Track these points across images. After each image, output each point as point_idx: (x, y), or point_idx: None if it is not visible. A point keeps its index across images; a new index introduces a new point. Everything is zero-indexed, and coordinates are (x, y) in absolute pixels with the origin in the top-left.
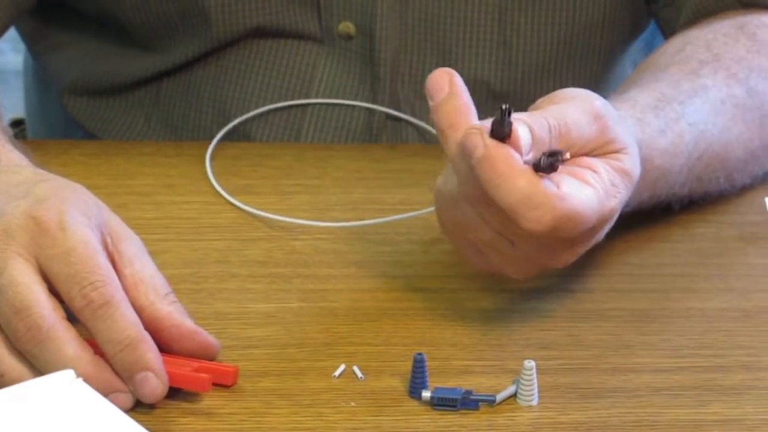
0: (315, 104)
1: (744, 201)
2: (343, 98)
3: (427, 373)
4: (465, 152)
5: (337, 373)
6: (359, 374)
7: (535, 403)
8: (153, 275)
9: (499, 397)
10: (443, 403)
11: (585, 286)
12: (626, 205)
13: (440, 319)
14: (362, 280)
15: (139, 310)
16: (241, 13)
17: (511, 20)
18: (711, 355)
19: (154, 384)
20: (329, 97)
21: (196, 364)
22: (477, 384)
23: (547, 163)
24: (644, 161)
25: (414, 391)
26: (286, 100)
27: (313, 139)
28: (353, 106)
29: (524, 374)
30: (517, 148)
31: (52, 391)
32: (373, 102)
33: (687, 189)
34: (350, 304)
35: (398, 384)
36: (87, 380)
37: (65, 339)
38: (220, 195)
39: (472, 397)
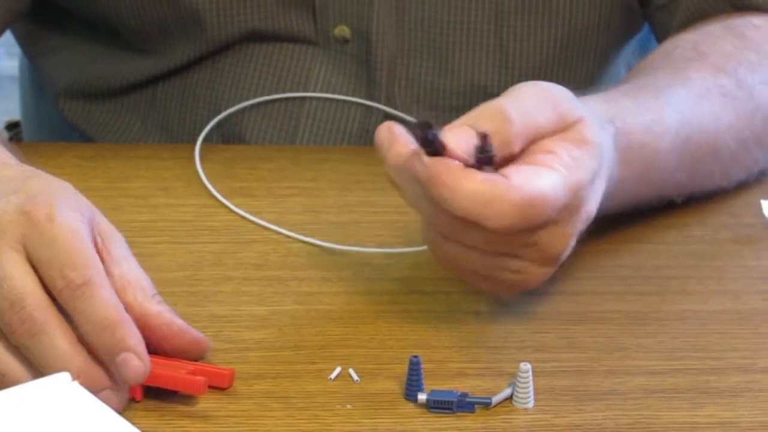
0: (311, 104)
1: (739, 203)
2: (337, 103)
3: (422, 376)
4: (415, 180)
5: (332, 375)
6: (355, 377)
7: (530, 405)
8: (140, 277)
9: (495, 399)
10: (439, 405)
11: (580, 289)
12: (621, 184)
13: (436, 321)
14: (357, 282)
15: (128, 309)
16: (236, 18)
17: (507, 24)
18: (706, 358)
19: (136, 364)
20: (324, 102)
21: (191, 366)
22: (473, 386)
23: (482, 157)
24: (623, 135)
25: (410, 394)
26: (281, 104)
27: (308, 141)
28: (349, 108)
29: (520, 377)
30: (456, 157)
31: (47, 394)
32: (368, 108)
33: (682, 178)
34: (346, 307)
35: (394, 386)
36: (79, 375)
37: (59, 333)
38: (216, 198)
39: (468, 399)
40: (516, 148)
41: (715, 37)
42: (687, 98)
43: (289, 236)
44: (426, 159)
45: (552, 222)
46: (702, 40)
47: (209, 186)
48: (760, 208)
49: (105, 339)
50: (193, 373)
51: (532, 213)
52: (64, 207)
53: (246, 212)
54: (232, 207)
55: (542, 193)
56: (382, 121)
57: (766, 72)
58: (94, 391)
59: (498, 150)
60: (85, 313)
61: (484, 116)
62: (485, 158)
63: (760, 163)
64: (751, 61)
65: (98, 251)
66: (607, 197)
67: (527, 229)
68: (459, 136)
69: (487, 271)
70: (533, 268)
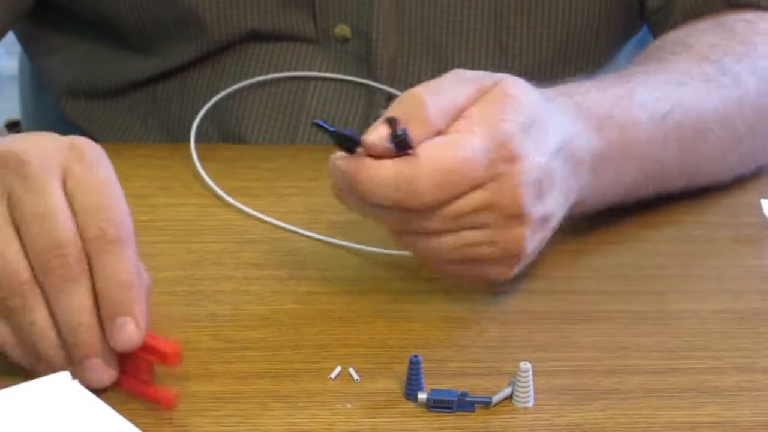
0: (311, 104)
1: (739, 203)
2: (338, 101)
3: (422, 375)
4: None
5: (333, 375)
6: (355, 376)
7: (530, 405)
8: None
9: (495, 399)
10: (439, 405)
11: (580, 288)
12: (602, 156)
13: (436, 320)
14: (357, 282)
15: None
16: (236, 18)
17: (506, 24)
18: (706, 357)
19: (131, 330)
20: (325, 100)
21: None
22: (473, 386)
23: (397, 142)
24: (586, 107)
25: (410, 393)
26: (281, 101)
27: (309, 140)
28: (350, 107)
29: (520, 376)
30: (374, 149)
31: (48, 393)
32: (369, 107)
33: (669, 157)
34: (345, 306)
35: (394, 386)
36: (87, 331)
37: (87, 286)
38: (216, 197)
39: (468, 399)
40: (438, 126)
41: (702, 31)
42: (666, 81)
43: (288, 231)
44: (340, 162)
45: (491, 179)
46: (689, 34)
47: (207, 179)
48: (759, 208)
49: (116, 297)
50: (143, 351)
51: (452, 179)
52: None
53: (248, 208)
54: (237, 204)
55: (455, 158)
56: None
57: (753, 62)
58: (90, 355)
59: (418, 132)
60: (108, 267)
61: (400, 104)
62: (400, 143)
63: (756, 155)
64: (737, 51)
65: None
66: (594, 170)
67: (458, 196)
68: (374, 131)
69: (461, 253)
70: (504, 233)
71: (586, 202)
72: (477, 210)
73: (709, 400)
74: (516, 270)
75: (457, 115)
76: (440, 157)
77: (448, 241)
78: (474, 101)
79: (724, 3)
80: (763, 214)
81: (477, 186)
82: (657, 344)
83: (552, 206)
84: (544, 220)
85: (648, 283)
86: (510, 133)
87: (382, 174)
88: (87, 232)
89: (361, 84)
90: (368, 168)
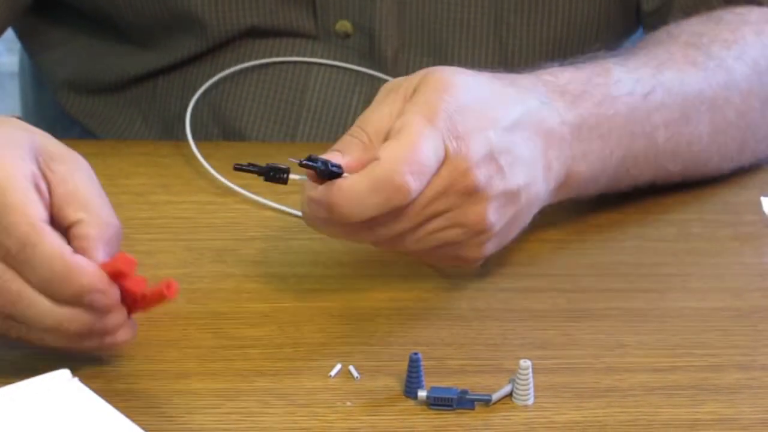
0: (312, 99)
1: (739, 200)
2: (339, 95)
3: (422, 373)
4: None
5: (333, 372)
6: (355, 374)
7: (530, 402)
8: (85, 192)
9: (495, 396)
10: (439, 402)
11: (580, 286)
12: (580, 127)
13: (436, 318)
14: (357, 279)
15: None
16: (235, 16)
17: (506, 22)
18: (706, 355)
19: (100, 301)
20: (325, 95)
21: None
22: (473, 384)
23: (328, 174)
24: (555, 84)
25: (410, 391)
26: (281, 96)
27: (309, 136)
28: (350, 103)
29: (520, 374)
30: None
31: (48, 390)
32: (370, 103)
33: (659, 137)
34: (346, 304)
35: (394, 384)
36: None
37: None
38: (216, 194)
39: (468, 396)
40: (380, 137)
41: (689, 23)
42: (645, 64)
43: (289, 229)
44: (314, 193)
45: (443, 163)
46: (674, 27)
47: (212, 172)
48: (759, 206)
49: (62, 291)
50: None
51: (419, 162)
52: None
53: (257, 196)
54: (236, 187)
55: (412, 147)
56: None
57: (741, 49)
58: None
59: (358, 153)
60: (33, 274)
61: (341, 141)
62: (328, 174)
63: (751, 144)
64: (726, 39)
65: (42, 172)
66: (577, 139)
67: (427, 182)
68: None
69: (432, 240)
70: (465, 213)
71: (579, 173)
72: (436, 196)
73: (708, 398)
74: (492, 247)
75: (394, 120)
76: (402, 144)
77: (418, 233)
78: (407, 100)
79: (722, 0)
80: (763, 212)
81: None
82: (657, 342)
83: (518, 179)
84: (510, 194)
85: (648, 280)
86: (446, 112)
87: (362, 185)
88: None
89: (362, 77)
90: (343, 187)
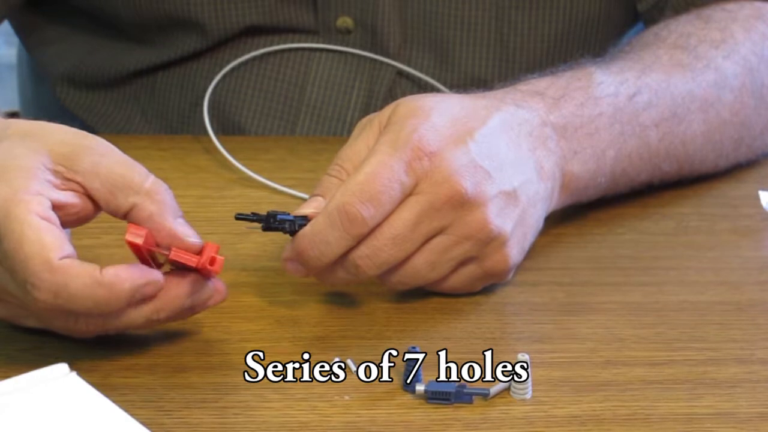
0: (311, 93)
1: (737, 194)
2: (339, 92)
3: (421, 367)
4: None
5: (353, 368)
6: (353, 368)
7: (528, 396)
8: (123, 174)
9: (493, 390)
10: (437, 396)
11: (578, 280)
12: (564, 127)
13: (434, 312)
14: None
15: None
16: (234, 15)
17: (508, 18)
18: (704, 349)
19: (152, 292)
20: (325, 91)
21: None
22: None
23: (293, 229)
24: (532, 92)
25: (408, 385)
26: (281, 92)
27: (309, 130)
28: (350, 97)
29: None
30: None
31: (45, 385)
32: (369, 98)
33: (651, 136)
34: (344, 298)
35: (392, 377)
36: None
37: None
38: (214, 189)
39: (465, 390)
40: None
41: (677, 22)
42: (629, 68)
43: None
44: (289, 249)
45: (419, 181)
46: (662, 28)
47: (230, 158)
48: (758, 199)
49: (118, 305)
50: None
51: (377, 188)
52: (14, 191)
53: (264, 178)
54: (241, 167)
55: (371, 171)
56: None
57: (730, 47)
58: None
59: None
60: (84, 308)
61: (321, 184)
62: (291, 226)
63: (746, 141)
64: (714, 38)
65: (68, 179)
66: (565, 138)
67: (392, 205)
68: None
69: (443, 263)
70: (466, 224)
71: (574, 173)
72: (422, 216)
73: (706, 392)
74: (515, 254)
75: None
76: (359, 175)
77: (419, 259)
78: (381, 132)
79: None
80: (761, 206)
81: (406, 194)
82: (655, 336)
83: (511, 180)
84: (507, 195)
85: (646, 274)
86: (416, 135)
87: (321, 224)
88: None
89: (361, 72)
90: (305, 233)
